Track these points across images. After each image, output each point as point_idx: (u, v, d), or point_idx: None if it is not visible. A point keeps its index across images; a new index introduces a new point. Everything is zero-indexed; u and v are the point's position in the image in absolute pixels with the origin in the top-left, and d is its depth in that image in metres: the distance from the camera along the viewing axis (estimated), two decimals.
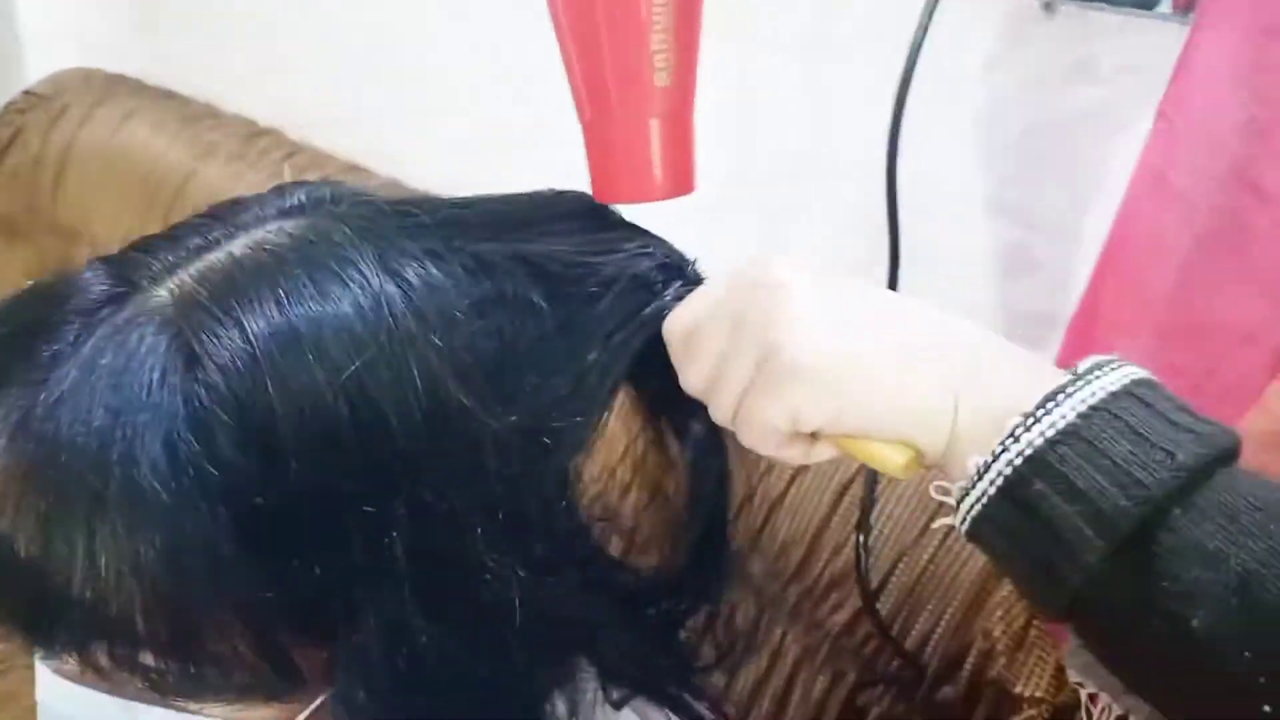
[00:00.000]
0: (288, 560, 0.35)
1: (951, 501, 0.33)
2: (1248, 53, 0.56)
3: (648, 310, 0.42)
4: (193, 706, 0.38)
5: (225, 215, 0.40)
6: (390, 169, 1.40)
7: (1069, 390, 0.31)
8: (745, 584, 0.91)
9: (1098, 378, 0.31)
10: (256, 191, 1.41)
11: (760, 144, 1.04)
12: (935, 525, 0.81)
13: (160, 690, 0.37)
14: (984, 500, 0.31)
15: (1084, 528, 0.28)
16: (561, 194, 0.46)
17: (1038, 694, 0.76)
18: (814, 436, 0.36)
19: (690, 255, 0.47)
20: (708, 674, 0.52)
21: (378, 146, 1.42)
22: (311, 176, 1.37)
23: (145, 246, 0.39)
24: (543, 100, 1.20)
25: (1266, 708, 0.26)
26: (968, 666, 0.79)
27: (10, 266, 1.63)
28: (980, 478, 0.31)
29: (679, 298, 0.42)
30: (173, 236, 0.39)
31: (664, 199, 0.45)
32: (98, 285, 0.37)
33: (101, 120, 1.56)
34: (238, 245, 0.37)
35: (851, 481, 0.83)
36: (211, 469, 0.34)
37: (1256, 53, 0.56)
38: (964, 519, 0.32)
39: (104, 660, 0.36)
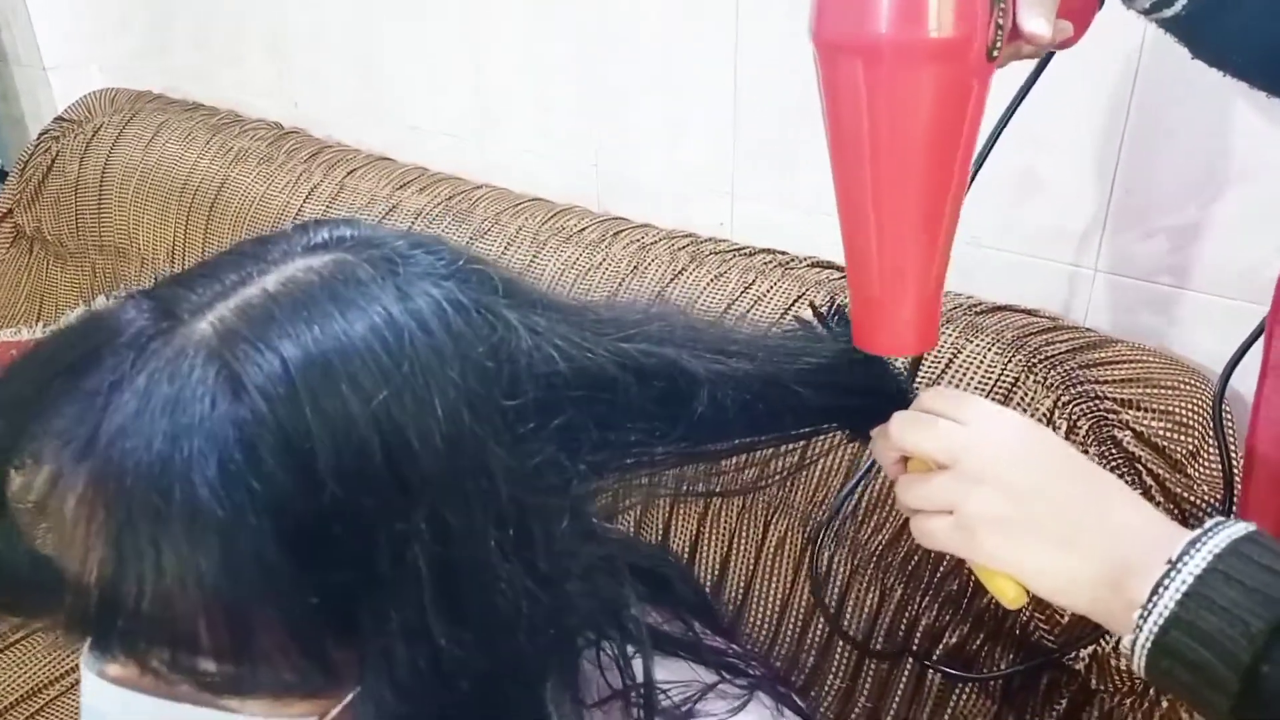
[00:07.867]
0: (324, 567, 0.38)
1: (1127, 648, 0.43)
2: None
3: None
4: (234, 704, 0.41)
5: (255, 252, 0.43)
6: (414, 155, 1.44)
7: (1184, 559, 0.40)
8: (790, 514, 0.96)
9: (1198, 550, 0.40)
10: (286, 192, 1.44)
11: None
12: None
13: (210, 690, 0.40)
14: (1145, 655, 0.41)
15: (1216, 663, 0.38)
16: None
17: None
18: None
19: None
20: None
21: (399, 136, 1.46)
22: (340, 172, 1.42)
23: (183, 281, 0.41)
24: (555, 85, 1.24)
25: None
26: None
27: (63, 285, 1.70)
28: (1135, 643, 0.41)
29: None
30: (208, 272, 0.42)
31: (917, 353, 0.52)
32: (142, 319, 0.39)
33: (133, 138, 1.61)
34: (270, 281, 0.40)
35: None
36: (259, 485, 0.37)
37: None
38: (1139, 668, 0.42)
39: (160, 663, 0.39)
